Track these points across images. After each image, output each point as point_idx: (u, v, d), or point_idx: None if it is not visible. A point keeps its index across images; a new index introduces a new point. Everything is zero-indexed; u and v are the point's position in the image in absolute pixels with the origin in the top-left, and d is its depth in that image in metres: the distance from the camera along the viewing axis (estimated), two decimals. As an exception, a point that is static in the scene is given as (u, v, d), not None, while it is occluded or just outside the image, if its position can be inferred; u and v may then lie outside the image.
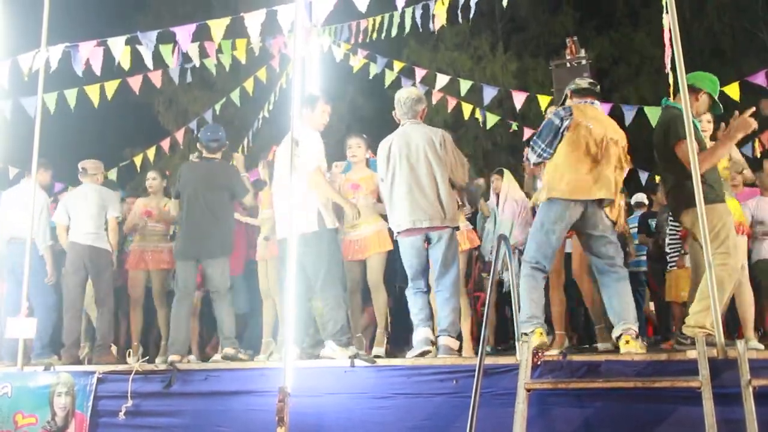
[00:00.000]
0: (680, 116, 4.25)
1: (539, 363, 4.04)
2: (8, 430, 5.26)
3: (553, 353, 4.36)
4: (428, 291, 5.04)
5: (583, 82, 4.73)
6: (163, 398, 5.06)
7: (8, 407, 5.32)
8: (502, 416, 3.85)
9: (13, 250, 6.33)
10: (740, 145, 8.17)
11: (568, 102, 4.69)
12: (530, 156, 4.63)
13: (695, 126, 4.37)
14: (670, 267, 6.12)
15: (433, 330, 4.94)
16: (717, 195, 4.33)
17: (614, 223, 4.59)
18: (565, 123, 4.45)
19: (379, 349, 5.57)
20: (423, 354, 4.73)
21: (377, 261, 5.62)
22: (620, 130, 4.69)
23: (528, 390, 3.76)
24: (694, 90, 4.49)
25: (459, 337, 5.14)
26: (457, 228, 5.13)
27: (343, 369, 4.63)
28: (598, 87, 4.77)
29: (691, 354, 3.76)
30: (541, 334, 4.25)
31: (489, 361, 4.11)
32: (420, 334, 4.86)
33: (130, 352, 5.50)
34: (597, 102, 4.68)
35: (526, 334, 4.23)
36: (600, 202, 4.46)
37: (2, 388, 5.38)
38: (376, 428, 4.35)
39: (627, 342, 4.25)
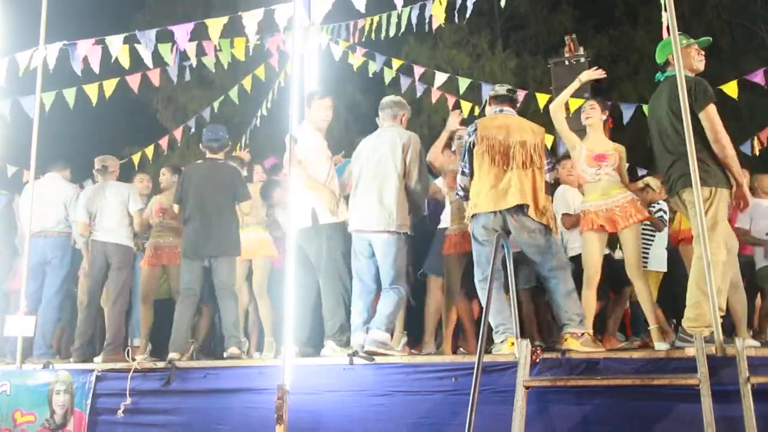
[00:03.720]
0: (702, 81, 4.26)
1: (538, 360, 4.04)
2: (7, 428, 5.26)
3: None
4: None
5: (502, 89, 4.90)
6: (162, 396, 5.05)
7: (7, 405, 5.32)
8: (500, 413, 3.85)
9: (40, 244, 6.34)
10: (739, 142, 8.20)
11: (487, 108, 4.91)
12: (459, 179, 4.76)
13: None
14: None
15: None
16: (720, 179, 4.23)
17: (545, 227, 4.58)
18: (471, 138, 4.68)
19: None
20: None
21: None
22: (532, 128, 4.74)
23: (527, 387, 3.76)
24: (668, 63, 4.50)
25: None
26: (407, 233, 5.04)
27: (342, 366, 4.63)
28: (517, 93, 4.96)
29: (690, 351, 3.77)
30: (512, 344, 4.31)
31: (488, 358, 4.11)
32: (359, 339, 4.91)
33: (129, 350, 5.50)
34: (508, 109, 4.83)
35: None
36: (520, 208, 4.52)
37: (1, 386, 5.38)
38: (375, 425, 4.35)
39: (566, 340, 4.41)
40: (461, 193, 4.80)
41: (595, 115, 5.11)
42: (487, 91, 8.51)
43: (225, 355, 5.59)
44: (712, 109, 4.19)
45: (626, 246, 4.90)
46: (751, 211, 6.03)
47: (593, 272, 4.87)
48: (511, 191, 4.50)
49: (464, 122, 5.78)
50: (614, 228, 4.87)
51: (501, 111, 4.82)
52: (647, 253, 5.98)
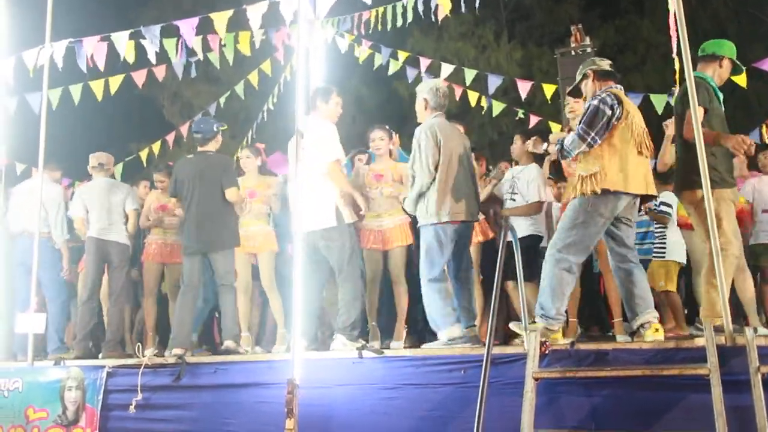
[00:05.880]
0: (704, 85, 4.25)
1: (547, 352, 4.04)
2: (20, 424, 5.30)
3: (565, 341, 4.29)
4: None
5: (604, 64, 4.44)
6: (173, 391, 5.08)
7: (19, 402, 5.36)
8: (510, 405, 3.86)
9: (24, 244, 6.33)
10: (747, 130, 8.16)
11: (590, 85, 4.42)
12: (574, 145, 4.23)
13: (717, 98, 4.33)
14: (655, 257, 5.94)
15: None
16: (721, 179, 4.26)
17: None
18: (617, 112, 4.16)
19: (398, 343, 5.56)
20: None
21: (400, 254, 5.63)
22: None
23: (536, 379, 3.77)
24: (715, 57, 4.46)
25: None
26: None
27: (352, 360, 4.65)
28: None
29: (699, 341, 3.76)
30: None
31: (496, 350, 4.11)
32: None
33: (139, 345, 5.51)
34: (620, 86, 4.42)
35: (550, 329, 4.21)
36: (644, 199, 4.37)
37: (13, 383, 5.42)
38: (385, 419, 4.36)
39: (656, 330, 4.18)
40: (569, 156, 4.32)
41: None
42: (494, 82, 8.53)
43: (221, 348, 5.62)
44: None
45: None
46: (753, 186, 6.20)
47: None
48: (647, 178, 4.21)
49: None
50: None
51: (620, 89, 4.35)
52: (663, 245, 5.93)
